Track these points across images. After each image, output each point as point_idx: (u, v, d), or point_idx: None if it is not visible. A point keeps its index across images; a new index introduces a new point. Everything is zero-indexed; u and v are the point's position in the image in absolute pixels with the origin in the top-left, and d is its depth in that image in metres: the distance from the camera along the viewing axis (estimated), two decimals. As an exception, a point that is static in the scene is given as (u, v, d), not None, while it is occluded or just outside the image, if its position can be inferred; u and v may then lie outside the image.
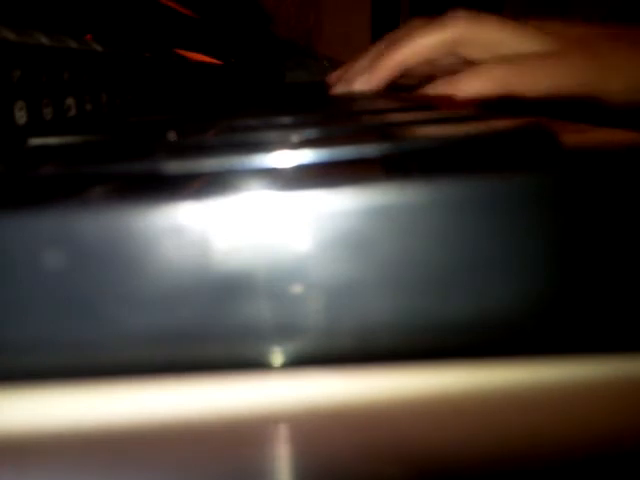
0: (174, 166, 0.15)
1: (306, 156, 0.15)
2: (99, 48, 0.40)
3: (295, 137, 0.20)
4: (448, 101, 0.41)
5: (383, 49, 0.44)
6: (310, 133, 0.21)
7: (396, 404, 0.12)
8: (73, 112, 0.35)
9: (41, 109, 0.31)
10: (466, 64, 0.44)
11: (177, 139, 0.22)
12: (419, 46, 0.41)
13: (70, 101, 0.34)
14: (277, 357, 0.12)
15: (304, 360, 0.12)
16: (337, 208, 0.12)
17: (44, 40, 0.33)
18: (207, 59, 0.71)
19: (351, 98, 0.42)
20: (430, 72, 0.46)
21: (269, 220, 0.12)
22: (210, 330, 0.12)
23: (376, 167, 0.15)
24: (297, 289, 0.12)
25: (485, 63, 0.42)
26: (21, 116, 0.29)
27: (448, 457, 0.11)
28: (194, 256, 0.12)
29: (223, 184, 0.12)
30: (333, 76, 0.47)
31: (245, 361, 0.12)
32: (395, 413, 0.12)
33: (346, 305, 0.12)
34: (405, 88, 0.48)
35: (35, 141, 0.23)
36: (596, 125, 0.18)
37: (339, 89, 0.46)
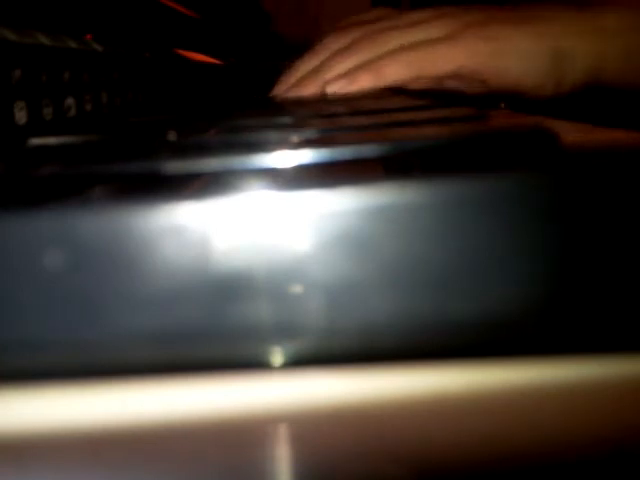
0: (174, 166, 0.15)
1: (306, 156, 0.15)
2: (99, 48, 0.40)
3: (295, 137, 0.20)
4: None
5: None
6: (310, 133, 0.21)
7: (396, 404, 0.12)
8: (73, 112, 0.35)
9: (41, 109, 0.31)
10: None
11: (177, 139, 0.22)
12: (337, 72, 0.46)
13: (70, 101, 0.34)
14: (277, 357, 0.12)
15: (304, 360, 0.12)
16: (337, 208, 0.12)
17: (44, 40, 0.33)
18: (207, 59, 0.71)
19: (351, 98, 0.42)
20: None
21: (269, 220, 0.12)
22: (210, 330, 0.12)
23: (376, 167, 0.15)
24: (297, 289, 0.12)
25: (398, 49, 0.46)
26: (21, 116, 0.29)
27: (448, 457, 0.11)
28: (194, 256, 0.12)
29: (223, 184, 0.12)
30: (283, 82, 0.49)
31: (245, 361, 0.12)
32: (395, 413, 0.12)
33: (346, 305, 0.12)
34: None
35: (35, 141, 0.23)
36: (596, 125, 0.18)
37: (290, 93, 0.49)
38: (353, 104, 0.37)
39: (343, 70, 0.46)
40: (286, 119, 0.28)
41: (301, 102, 0.42)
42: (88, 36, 0.42)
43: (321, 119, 0.29)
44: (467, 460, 0.11)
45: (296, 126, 0.25)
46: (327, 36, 0.49)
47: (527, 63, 0.45)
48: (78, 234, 0.12)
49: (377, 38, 0.46)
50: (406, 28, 0.47)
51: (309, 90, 0.46)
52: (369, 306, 0.12)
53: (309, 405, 0.12)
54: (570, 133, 0.17)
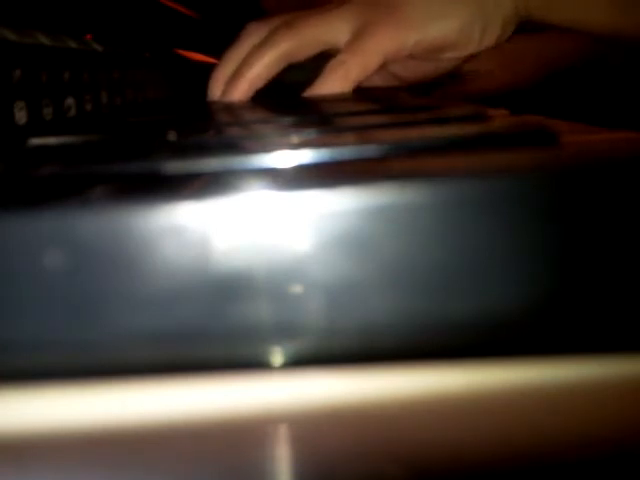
0: (174, 166, 0.15)
1: (306, 156, 0.15)
2: (99, 48, 0.40)
3: (295, 137, 0.20)
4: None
5: (233, 68, 0.48)
6: (310, 133, 0.21)
7: (396, 404, 0.12)
8: (73, 112, 0.35)
9: (41, 109, 0.31)
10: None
11: (177, 139, 0.22)
12: (258, 69, 0.46)
13: (70, 101, 0.34)
14: (277, 357, 0.12)
15: (304, 360, 0.12)
16: (337, 208, 0.12)
17: (44, 40, 0.33)
18: (207, 59, 0.71)
19: (348, 97, 0.42)
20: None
21: (269, 220, 0.12)
22: (210, 330, 0.12)
23: (376, 167, 0.15)
24: (297, 289, 0.12)
25: (331, 67, 0.46)
26: (21, 116, 0.29)
27: (448, 457, 0.11)
28: (194, 256, 0.12)
29: (223, 184, 0.12)
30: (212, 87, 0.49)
31: (245, 361, 0.12)
32: (395, 413, 0.12)
33: (346, 305, 0.12)
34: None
35: (35, 141, 0.23)
36: (596, 125, 0.18)
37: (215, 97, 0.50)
38: (353, 104, 0.37)
39: (262, 64, 0.46)
40: (285, 119, 0.28)
41: (299, 103, 0.42)
42: (88, 36, 0.42)
43: (321, 119, 0.29)
44: (467, 460, 0.11)
45: (295, 126, 0.25)
46: (247, 28, 0.49)
47: (443, 27, 0.46)
48: (78, 234, 0.12)
49: (293, 28, 0.47)
50: (321, 16, 0.47)
51: (237, 95, 0.47)
52: (369, 306, 0.12)
53: (309, 405, 0.12)
54: (570, 133, 0.17)
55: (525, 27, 0.47)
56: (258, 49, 0.47)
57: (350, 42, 0.46)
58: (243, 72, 0.46)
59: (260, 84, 0.47)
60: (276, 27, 0.47)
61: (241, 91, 0.46)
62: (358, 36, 0.46)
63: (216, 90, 0.49)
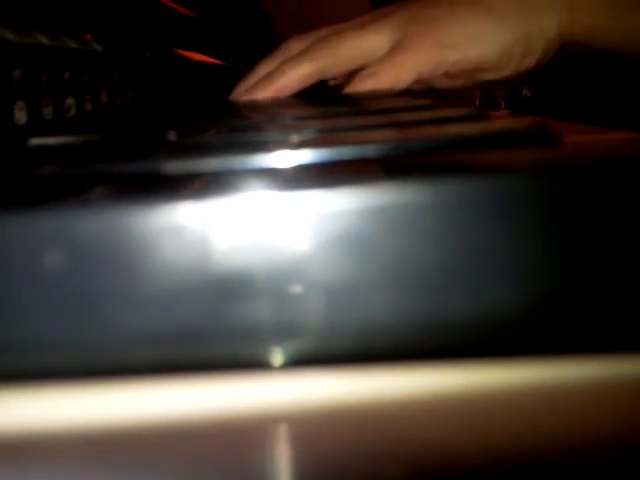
0: (174, 166, 0.15)
1: (306, 156, 0.15)
2: (99, 48, 0.40)
3: (295, 137, 0.20)
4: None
5: (265, 76, 0.49)
6: (310, 133, 0.21)
7: (396, 404, 0.12)
8: (73, 112, 0.35)
9: (41, 109, 0.31)
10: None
11: (177, 139, 0.22)
12: (289, 78, 0.46)
13: (70, 101, 0.34)
14: (277, 357, 0.12)
15: (304, 360, 0.12)
16: (337, 208, 0.12)
17: (44, 40, 0.33)
18: (207, 59, 0.71)
19: (349, 98, 0.42)
20: None
21: (269, 220, 0.12)
22: (210, 330, 0.12)
23: (376, 167, 0.15)
24: (297, 289, 0.12)
25: (361, 76, 0.46)
26: (21, 116, 0.29)
27: (448, 457, 0.11)
28: (194, 256, 0.12)
29: (223, 184, 0.12)
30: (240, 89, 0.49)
31: (245, 361, 0.12)
32: (395, 413, 0.12)
33: (346, 305, 0.12)
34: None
35: (35, 141, 0.23)
36: (596, 125, 0.18)
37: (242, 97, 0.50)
38: (354, 104, 0.37)
39: (295, 75, 0.46)
40: (286, 119, 0.28)
41: (301, 102, 0.42)
42: (88, 36, 0.42)
43: (322, 119, 0.29)
44: (467, 460, 0.11)
45: (295, 126, 0.25)
46: (288, 40, 0.50)
47: (483, 50, 0.45)
48: (78, 234, 0.12)
49: (330, 43, 0.47)
50: (357, 32, 0.47)
51: (262, 95, 0.46)
52: (369, 306, 0.12)
53: (309, 405, 0.12)
54: (570, 133, 0.17)
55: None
56: (293, 60, 0.47)
57: (385, 55, 0.46)
58: (274, 77, 0.46)
59: (286, 93, 0.47)
60: (312, 42, 0.47)
61: (265, 93, 0.46)
62: (394, 50, 0.45)
63: (242, 91, 0.48)
